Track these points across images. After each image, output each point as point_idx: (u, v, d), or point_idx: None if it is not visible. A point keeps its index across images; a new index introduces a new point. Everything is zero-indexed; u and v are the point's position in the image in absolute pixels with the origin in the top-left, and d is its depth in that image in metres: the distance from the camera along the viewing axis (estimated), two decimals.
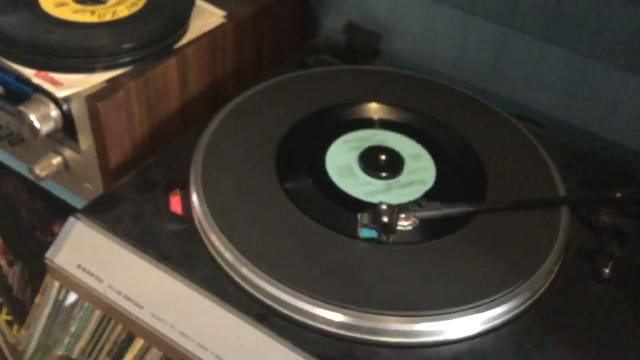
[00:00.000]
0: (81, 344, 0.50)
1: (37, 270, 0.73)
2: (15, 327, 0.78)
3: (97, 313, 0.49)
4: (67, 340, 0.51)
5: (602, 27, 0.56)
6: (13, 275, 0.76)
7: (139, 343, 0.48)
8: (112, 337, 0.49)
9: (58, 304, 0.51)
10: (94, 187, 0.59)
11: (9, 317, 0.78)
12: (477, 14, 0.62)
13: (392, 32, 0.67)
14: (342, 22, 0.70)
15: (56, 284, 0.50)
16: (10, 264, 0.75)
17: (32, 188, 0.67)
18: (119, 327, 0.49)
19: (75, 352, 0.51)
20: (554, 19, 0.58)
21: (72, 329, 0.50)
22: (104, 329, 0.49)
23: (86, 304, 0.49)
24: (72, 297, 0.50)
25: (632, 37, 0.55)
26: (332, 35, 0.70)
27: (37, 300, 0.52)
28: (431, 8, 0.64)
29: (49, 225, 0.69)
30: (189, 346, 0.43)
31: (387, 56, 0.68)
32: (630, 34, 0.55)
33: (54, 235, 0.69)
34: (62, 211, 0.65)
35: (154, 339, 0.45)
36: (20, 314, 0.77)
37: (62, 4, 0.59)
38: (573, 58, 0.58)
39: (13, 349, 0.77)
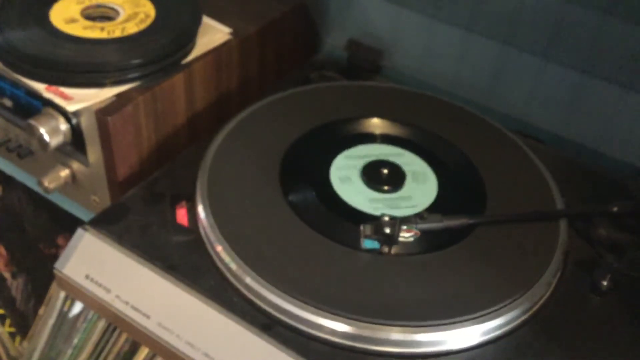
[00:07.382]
0: (83, 356, 0.50)
1: (40, 283, 0.73)
2: (18, 338, 0.78)
3: (100, 325, 0.49)
4: (69, 352, 0.51)
5: (600, 44, 0.57)
6: (17, 287, 0.75)
7: (141, 355, 0.48)
8: (115, 349, 0.49)
9: (62, 315, 0.50)
10: (101, 199, 0.59)
11: (12, 329, 0.78)
12: (476, 31, 0.63)
13: (393, 49, 0.68)
14: (345, 39, 0.71)
15: (61, 295, 0.50)
16: (14, 276, 0.75)
17: (37, 201, 0.67)
18: (122, 339, 0.49)
19: None
20: (552, 37, 0.59)
21: (75, 340, 0.50)
22: (107, 341, 0.49)
23: (90, 316, 0.49)
24: (76, 309, 0.50)
25: (630, 55, 0.56)
26: (335, 52, 0.71)
27: (41, 311, 0.52)
28: (431, 26, 0.65)
29: (53, 237, 0.69)
30: (195, 355, 0.43)
31: (389, 72, 0.69)
32: (627, 52, 0.56)
33: (57, 248, 0.69)
34: (66, 224, 0.65)
35: (160, 349, 0.45)
36: (23, 325, 0.77)
37: (72, 21, 0.60)
38: (571, 75, 0.59)
39: None
